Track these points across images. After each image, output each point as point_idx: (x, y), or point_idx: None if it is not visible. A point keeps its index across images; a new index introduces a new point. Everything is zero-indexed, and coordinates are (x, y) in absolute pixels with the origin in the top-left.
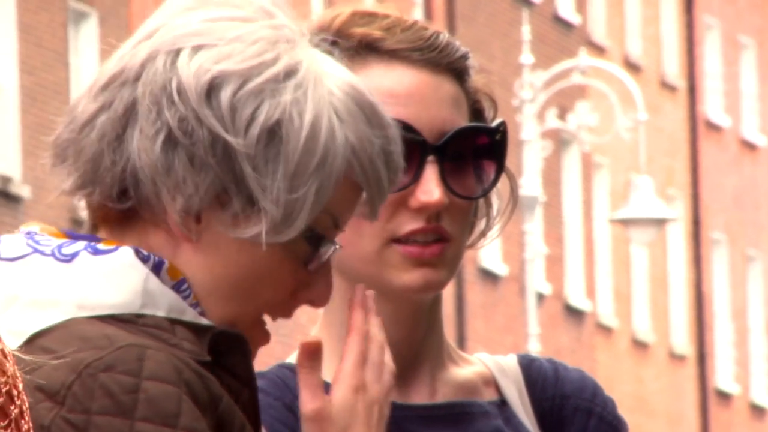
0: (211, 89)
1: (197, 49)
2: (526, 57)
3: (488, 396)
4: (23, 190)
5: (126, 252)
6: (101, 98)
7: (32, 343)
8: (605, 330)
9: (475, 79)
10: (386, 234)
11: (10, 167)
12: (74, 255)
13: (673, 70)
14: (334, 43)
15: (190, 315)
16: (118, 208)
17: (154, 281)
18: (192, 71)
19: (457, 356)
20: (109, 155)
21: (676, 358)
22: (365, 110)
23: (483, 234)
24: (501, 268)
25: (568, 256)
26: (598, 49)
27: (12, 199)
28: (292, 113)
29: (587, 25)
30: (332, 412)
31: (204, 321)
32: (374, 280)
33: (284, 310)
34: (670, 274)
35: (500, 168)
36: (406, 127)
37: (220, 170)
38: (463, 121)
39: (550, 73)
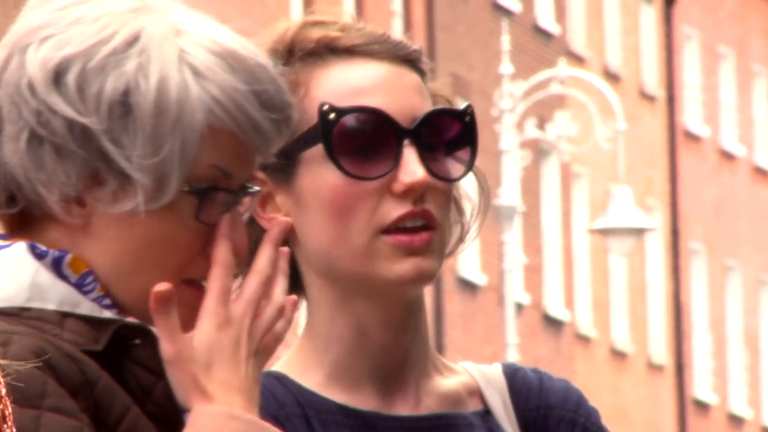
0: (57, 76)
1: (43, 41)
2: (506, 67)
3: (472, 406)
4: None
5: (18, 247)
6: None
7: None
8: (584, 340)
9: (430, 85)
10: (374, 225)
11: None
12: None
13: (652, 80)
14: (290, 51)
15: (87, 308)
16: (10, 213)
17: (44, 275)
18: (37, 64)
19: (442, 365)
20: None
21: (655, 368)
22: (226, 59)
23: (461, 239)
24: (479, 278)
25: (547, 266)
26: (577, 59)
27: None
28: (137, 80)
29: (566, 35)
30: (193, 352)
31: (105, 314)
32: (365, 275)
33: (200, 270)
34: (649, 284)
35: (473, 150)
36: (380, 115)
37: (85, 153)
38: (430, 106)
39: (530, 83)
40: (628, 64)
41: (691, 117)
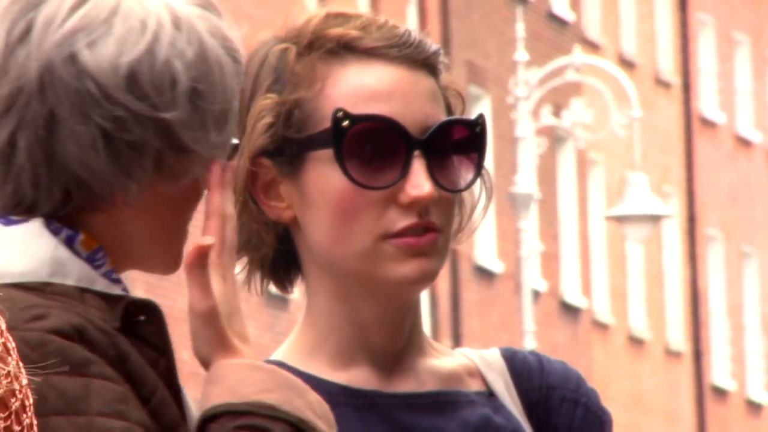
0: (130, 79)
1: (91, 45)
2: (521, 54)
3: (474, 387)
4: None
5: (35, 223)
6: (10, 121)
7: None
8: (601, 327)
9: (443, 76)
10: (377, 231)
11: None
12: None
13: (668, 66)
14: (310, 46)
15: (101, 285)
16: (65, 212)
17: (63, 251)
18: (104, 70)
19: (436, 350)
20: (44, 175)
21: (672, 354)
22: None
23: (457, 231)
24: (496, 266)
25: (564, 254)
26: (592, 47)
27: None
28: (198, 64)
29: (581, 23)
30: (218, 307)
31: (115, 291)
32: (367, 276)
33: None
34: (666, 270)
35: (481, 160)
36: (392, 123)
37: (161, 144)
38: (442, 115)
39: (545, 71)
40: (644, 51)
41: (707, 103)
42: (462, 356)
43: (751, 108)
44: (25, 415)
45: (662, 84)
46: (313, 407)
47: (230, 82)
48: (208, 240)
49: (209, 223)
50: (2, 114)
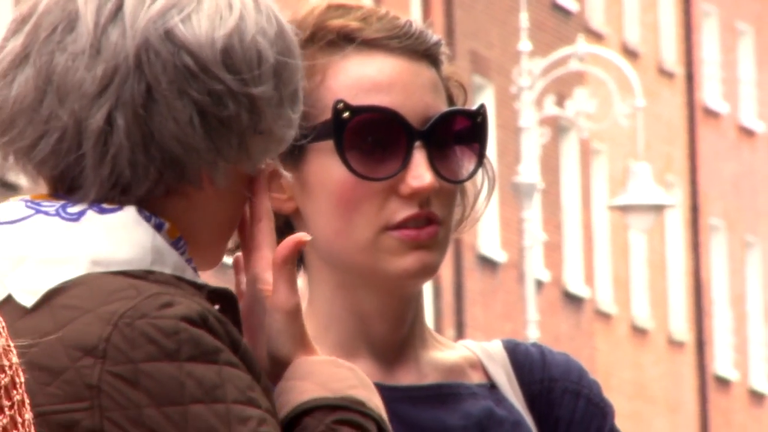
0: (225, 54)
1: (185, 20)
2: (524, 44)
3: (476, 379)
4: None
5: (130, 210)
6: (107, 100)
7: (50, 301)
8: (604, 317)
9: (445, 67)
10: (379, 222)
11: None
12: (81, 214)
13: (671, 56)
14: (311, 37)
15: (190, 274)
16: (156, 194)
17: (159, 239)
18: (201, 42)
19: (439, 343)
20: (141, 155)
21: (675, 344)
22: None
23: (460, 221)
24: (500, 255)
25: (567, 243)
26: (596, 36)
27: None
28: (280, 40)
29: (585, 12)
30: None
31: (199, 280)
32: (368, 269)
33: None
34: (669, 260)
35: (482, 150)
36: (392, 114)
37: (246, 119)
38: (443, 105)
39: (549, 60)
40: (647, 41)
41: (710, 94)
42: (464, 348)
43: (754, 98)
44: (15, 392)
45: (665, 74)
46: (381, 407)
47: (300, 61)
48: (306, 236)
49: (262, 225)
50: (98, 94)
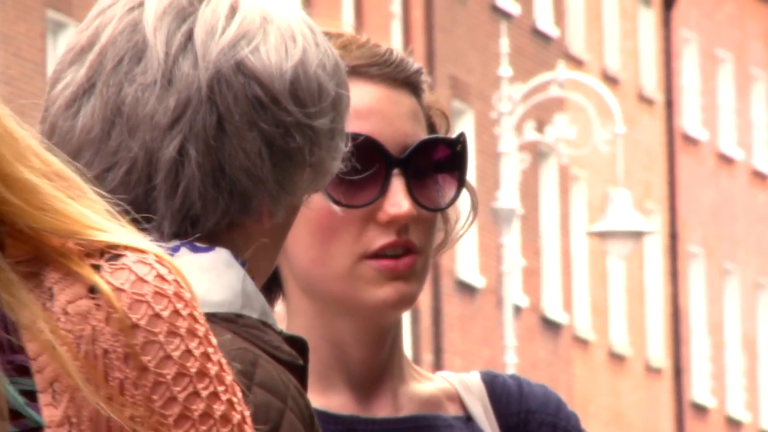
0: (292, 84)
1: (254, 51)
2: (505, 69)
3: (453, 411)
4: None
5: (222, 252)
6: (180, 131)
7: None
8: (582, 343)
9: (426, 96)
10: (358, 251)
11: None
12: (175, 249)
13: (651, 83)
14: None
15: (272, 319)
16: (220, 228)
17: (249, 282)
18: (271, 74)
19: (417, 373)
20: (211, 187)
21: (653, 371)
22: None
23: (441, 246)
24: (478, 281)
25: (545, 269)
26: (576, 62)
27: None
28: (338, 72)
29: (565, 38)
30: None
31: (278, 326)
32: (346, 298)
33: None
34: (647, 287)
35: (462, 179)
36: (371, 142)
37: (307, 152)
38: (423, 133)
39: (529, 86)
40: (627, 68)
41: (690, 121)
42: (441, 380)
43: (733, 125)
44: (246, 426)
45: (645, 100)
46: None
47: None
48: None
49: None
50: (171, 125)
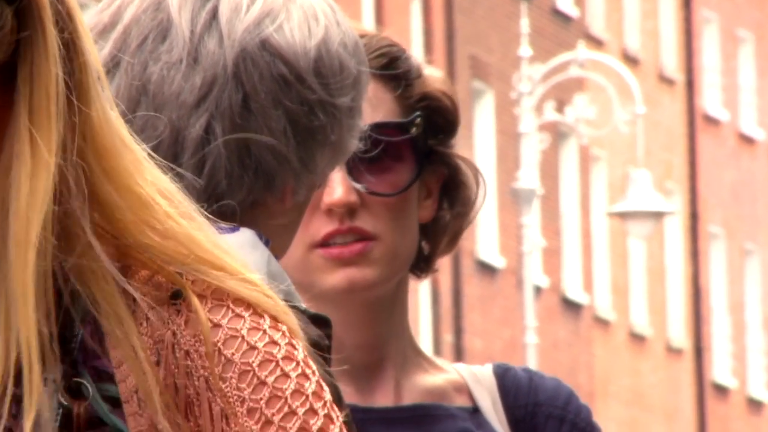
0: (315, 62)
1: (278, 30)
2: (525, 50)
3: (459, 402)
4: None
5: (247, 232)
6: (206, 110)
7: None
8: (602, 323)
9: (426, 77)
10: (307, 239)
11: None
12: None
13: (672, 63)
14: None
15: (297, 299)
16: (245, 205)
17: (275, 263)
18: (296, 51)
19: (427, 363)
20: (237, 165)
21: (674, 351)
22: None
23: (460, 224)
24: (498, 261)
25: (566, 249)
26: (596, 43)
27: None
28: (356, 50)
29: (586, 19)
30: None
31: (302, 305)
32: (304, 286)
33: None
34: (668, 267)
35: (419, 160)
36: None
37: (330, 130)
38: (379, 119)
39: (549, 66)
40: (647, 48)
41: (710, 101)
42: (453, 371)
43: (754, 105)
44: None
45: (666, 81)
46: None
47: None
48: None
49: None
50: (197, 103)
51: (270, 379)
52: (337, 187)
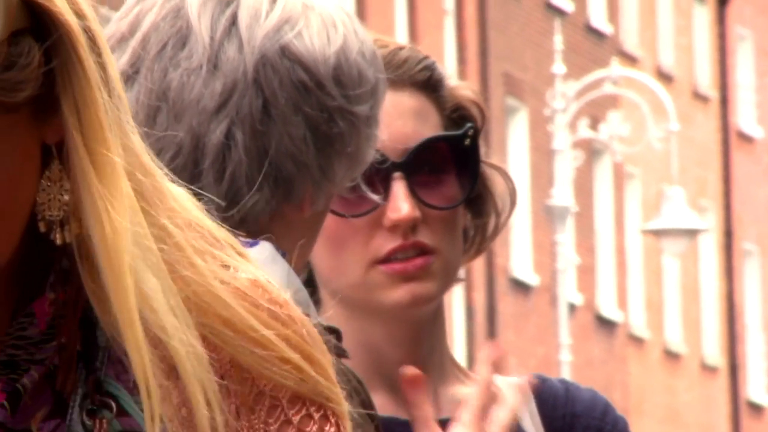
0: (335, 69)
1: (298, 36)
2: (558, 67)
3: None
4: None
5: (267, 246)
6: (227, 116)
7: None
8: (637, 341)
9: (456, 87)
10: (368, 257)
11: None
12: None
13: (706, 80)
14: None
15: (313, 311)
16: (266, 215)
17: (293, 276)
18: (316, 58)
19: (463, 375)
20: (257, 172)
21: (708, 369)
22: None
23: (493, 235)
24: (532, 279)
25: (600, 267)
26: (630, 59)
27: None
28: (374, 59)
29: (619, 35)
30: None
31: (317, 316)
32: (364, 303)
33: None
34: (702, 284)
35: (474, 172)
36: None
37: (348, 138)
38: (430, 132)
39: (582, 83)
40: (681, 65)
41: (744, 118)
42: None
43: None
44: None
45: (700, 98)
46: None
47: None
48: (411, 371)
49: (477, 391)
50: (217, 109)
51: None
52: (402, 203)
